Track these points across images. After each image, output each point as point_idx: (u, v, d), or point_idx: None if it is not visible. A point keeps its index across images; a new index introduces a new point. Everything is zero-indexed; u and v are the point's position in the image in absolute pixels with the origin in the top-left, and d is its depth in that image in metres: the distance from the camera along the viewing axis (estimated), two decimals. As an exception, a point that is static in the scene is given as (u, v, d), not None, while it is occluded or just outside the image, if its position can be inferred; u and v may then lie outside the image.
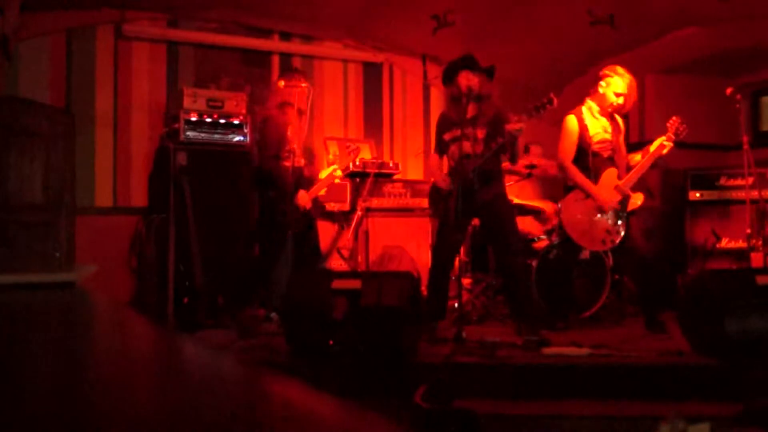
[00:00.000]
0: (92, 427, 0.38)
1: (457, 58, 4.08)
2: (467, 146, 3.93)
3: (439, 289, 4.06)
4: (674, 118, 4.19)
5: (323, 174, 4.89)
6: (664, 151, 4.14)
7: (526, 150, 5.47)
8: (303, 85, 4.74)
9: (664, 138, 4.14)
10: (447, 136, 4.10)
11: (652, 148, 4.15)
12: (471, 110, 3.99)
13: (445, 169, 4.16)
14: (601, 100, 4.22)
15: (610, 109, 4.22)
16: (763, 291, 3.30)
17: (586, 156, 4.18)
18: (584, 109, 4.26)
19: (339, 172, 4.92)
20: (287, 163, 4.54)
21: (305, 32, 6.07)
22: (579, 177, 4.18)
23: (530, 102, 3.73)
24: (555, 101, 3.67)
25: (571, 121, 4.23)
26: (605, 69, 4.24)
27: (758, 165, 4.72)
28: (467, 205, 3.83)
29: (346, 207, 5.39)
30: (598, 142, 4.20)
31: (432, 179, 4.26)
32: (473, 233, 5.20)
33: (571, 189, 4.25)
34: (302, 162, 4.73)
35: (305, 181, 4.68)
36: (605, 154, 4.22)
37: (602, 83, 4.21)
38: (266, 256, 4.68)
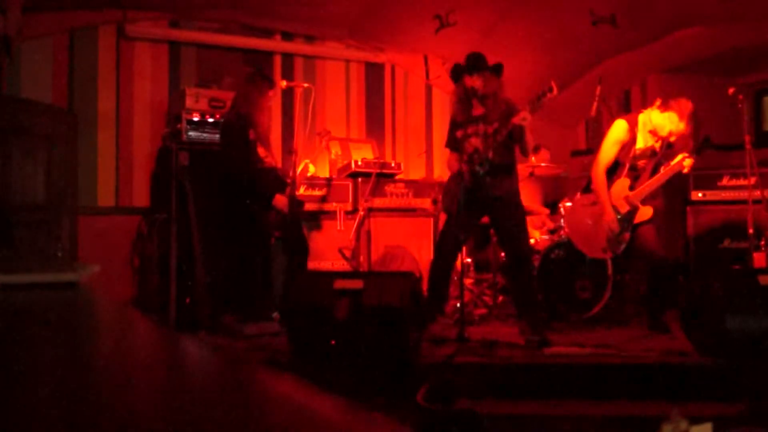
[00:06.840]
0: (93, 427, 0.38)
1: (466, 56, 4.03)
2: (477, 142, 3.89)
3: (438, 283, 4.01)
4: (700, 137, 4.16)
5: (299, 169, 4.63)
6: (685, 170, 4.11)
7: (537, 150, 5.44)
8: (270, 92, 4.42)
9: (685, 155, 4.10)
10: (459, 134, 4.06)
11: (673, 162, 4.13)
12: (478, 108, 3.96)
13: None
14: (656, 124, 4.09)
15: (655, 137, 4.14)
16: (766, 291, 3.30)
17: (622, 169, 4.15)
18: (641, 118, 4.15)
19: (312, 168, 4.76)
20: (264, 166, 4.34)
21: (307, 32, 6.07)
22: (601, 189, 4.14)
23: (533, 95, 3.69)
24: (555, 89, 3.60)
25: (622, 126, 4.14)
26: (673, 102, 4.07)
27: (761, 165, 4.71)
28: (478, 200, 3.81)
29: (349, 207, 5.39)
30: (639, 157, 4.15)
31: (451, 172, 4.14)
32: (475, 233, 5.20)
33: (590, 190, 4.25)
34: (274, 162, 4.54)
35: (280, 182, 4.42)
36: (639, 169, 4.19)
37: (663, 115, 4.06)
38: (251, 262, 4.39)
